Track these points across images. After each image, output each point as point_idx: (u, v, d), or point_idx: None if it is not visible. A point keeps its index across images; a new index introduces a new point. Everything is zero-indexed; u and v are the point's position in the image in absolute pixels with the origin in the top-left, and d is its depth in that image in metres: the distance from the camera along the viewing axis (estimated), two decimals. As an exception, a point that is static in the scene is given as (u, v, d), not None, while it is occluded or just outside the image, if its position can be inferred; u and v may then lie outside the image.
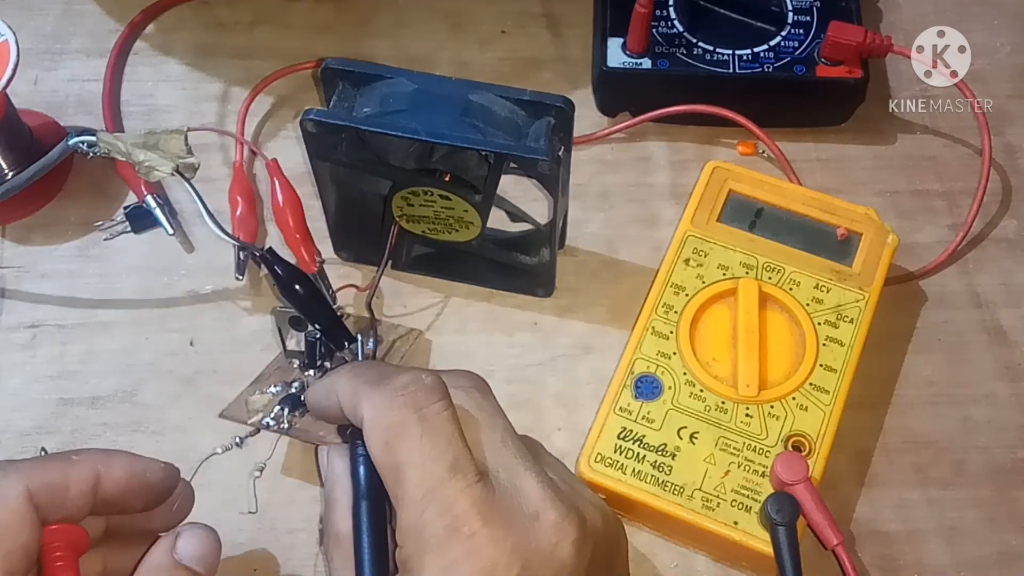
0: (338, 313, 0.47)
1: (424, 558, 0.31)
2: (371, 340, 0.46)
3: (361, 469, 0.35)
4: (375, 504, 0.35)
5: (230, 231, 0.45)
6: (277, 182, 0.50)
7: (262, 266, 0.45)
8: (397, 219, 0.46)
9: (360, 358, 0.44)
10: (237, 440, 0.43)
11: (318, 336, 0.44)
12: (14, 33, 0.48)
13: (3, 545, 0.32)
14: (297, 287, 0.43)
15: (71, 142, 0.44)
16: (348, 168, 0.45)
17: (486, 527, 0.31)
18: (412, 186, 0.43)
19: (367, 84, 0.44)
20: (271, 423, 0.43)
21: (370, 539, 0.34)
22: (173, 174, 0.43)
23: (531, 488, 0.33)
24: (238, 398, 0.44)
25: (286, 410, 0.43)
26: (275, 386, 0.44)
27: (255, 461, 0.45)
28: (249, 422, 0.43)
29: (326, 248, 0.50)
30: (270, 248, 0.44)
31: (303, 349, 0.45)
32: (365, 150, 0.44)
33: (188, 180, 0.44)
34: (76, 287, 0.50)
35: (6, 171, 0.52)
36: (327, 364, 0.45)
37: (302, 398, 0.43)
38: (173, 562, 0.34)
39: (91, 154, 0.44)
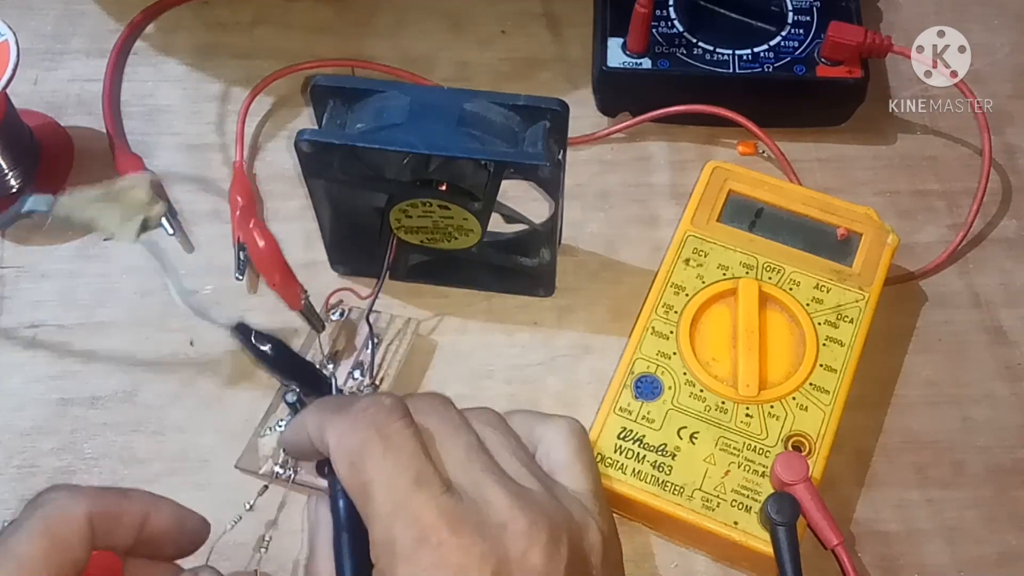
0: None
1: (396, 570, 0.32)
2: (370, 347, 0.46)
3: (340, 502, 0.35)
4: (356, 536, 0.35)
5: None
6: (254, 228, 0.48)
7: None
8: (395, 231, 0.46)
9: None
10: (248, 506, 0.43)
11: (295, 400, 0.43)
12: (14, 33, 0.48)
13: (60, 558, 0.33)
14: (269, 352, 0.43)
15: (27, 207, 0.43)
16: (344, 185, 0.45)
17: (454, 536, 0.32)
18: (410, 198, 0.43)
19: (358, 100, 0.43)
20: (279, 472, 0.43)
21: (352, 571, 0.34)
22: (138, 238, 0.43)
23: (498, 498, 0.33)
24: (249, 443, 0.45)
25: (287, 458, 0.44)
26: (282, 421, 0.45)
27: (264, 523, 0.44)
28: (260, 472, 0.44)
29: (323, 264, 0.50)
30: (240, 322, 0.43)
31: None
32: (360, 166, 0.44)
33: (157, 256, 0.44)
34: (76, 287, 0.50)
35: (6, 171, 0.52)
36: None
37: None
38: None
39: (47, 222, 0.43)
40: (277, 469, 0.44)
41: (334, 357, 0.47)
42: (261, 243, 0.46)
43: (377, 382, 0.46)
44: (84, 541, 0.34)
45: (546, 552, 0.33)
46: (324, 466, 0.37)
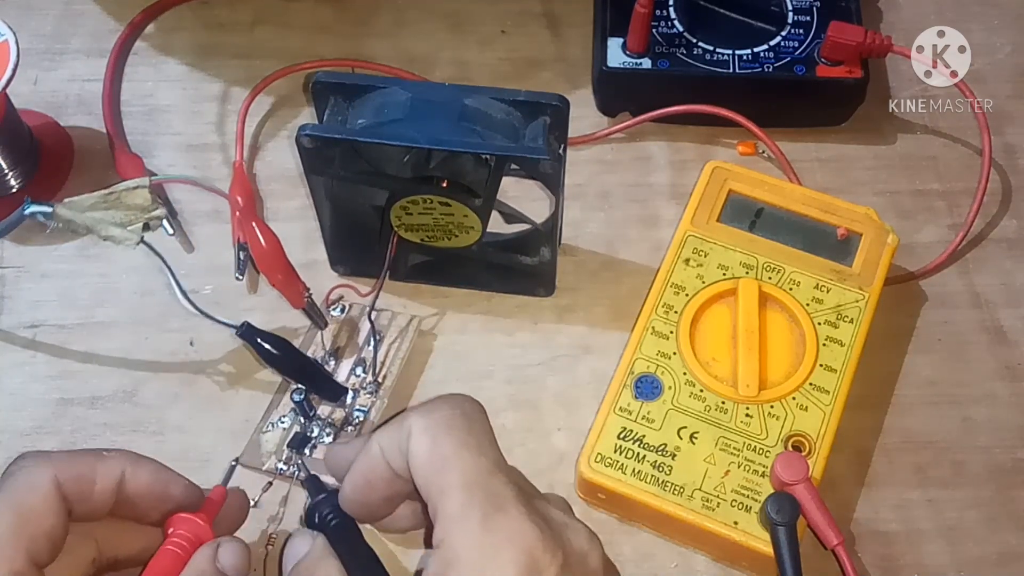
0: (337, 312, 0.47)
1: (466, 538, 0.31)
2: (372, 345, 0.46)
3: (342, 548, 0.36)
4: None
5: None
6: (256, 227, 0.47)
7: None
8: (395, 229, 0.46)
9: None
10: (253, 502, 0.43)
11: (301, 399, 0.44)
12: (14, 33, 0.48)
13: (28, 529, 0.33)
14: (276, 352, 0.43)
15: (27, 211, 0.42)
16: (345, 181, 0.45)
17: (529, 518, 0.32)
18: (411, 195, 0.43)
19: (359, 96, 0.43)
20: (283, 468, 0.44)
21: None
22: (140, 243, 0.43)
23: (555, 513, 0.34)
24: (251, 440, 0.45)
25: (294, 451, 0.44)
26: (284, 417, 0.45)
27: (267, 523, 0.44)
28: (264, 468, 0.44)
29: (323, 264, 0.50)
30: (246, 323, 0.44)
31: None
32: (361, 162, 0.44)
33: (162, 257, 0.44)
34: (76, 287, 0.50)
35: (6, 171, 0.52)
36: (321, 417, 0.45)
37: (308, 434, 0.44)
38: (215, 569, 0.36)
39: (49, 227, 0.43)
40: (280, 465, 0.44)
41: (336, 353, 0.47)
42: (263, 241, 0.46)
43: (380, 379, 0.46)
44: (55, 510, 0.33)
45: (603, 560, 0.33)
46: (313, 515, 0.38)
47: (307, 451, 0.44)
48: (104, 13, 0.59)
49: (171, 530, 0.37)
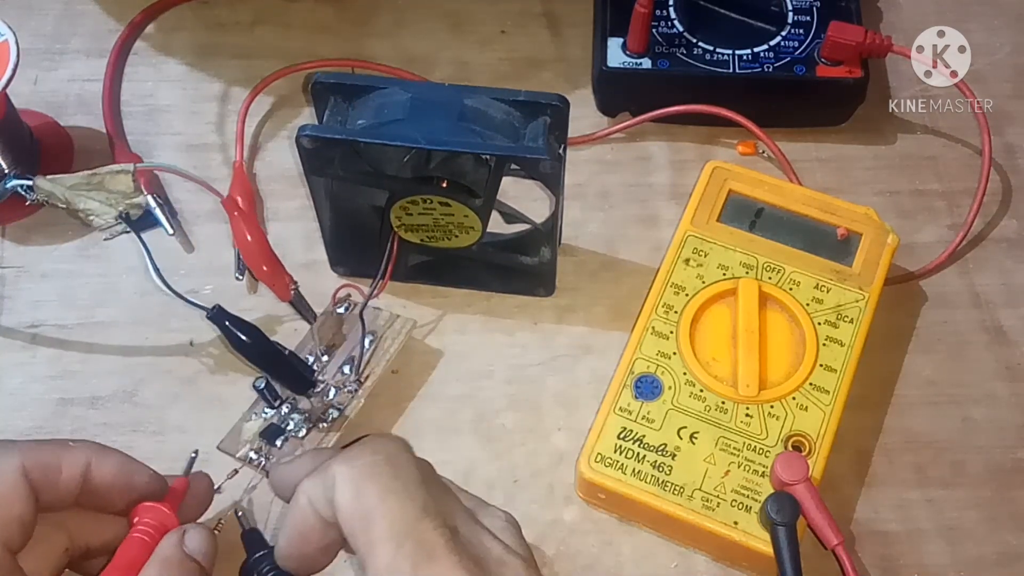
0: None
1: None
2: (366, 342, 0.46)
3: None
4: None
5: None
6: (236, 220, 0.48)
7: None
8: (396, 229, 0.46)
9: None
10: (217, 489, 0.43)
11: (263, 386, 0.44)
12: (14, 33, 0.48)
13: (0, 515, 0.34)
14: (246, 340, 0.43)
15: (9, 184, 0.43)
16: (345, 182, 0.45)
17: (461, 562, 0.32)
18: (411, 195, 0.43)
19: (359, 96, 0.43)
20: (253, 458, 0.44)
21: None
22: (121, 225, 0.43)
23: (493, 545, 0.34)
24: (234, 426, 0.45)
25: (265, 443, 0.44)
26: (269, 408, 0.45)
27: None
28: (237, 455, 0.44)
29: (323, 264, 0.50)
30: (217, 306, 0.43)
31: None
32: (361, 162, 0.44)
33: (138, 233, 0.44)
34: (76, 287, 0.50)
35: (6, 171, 0.52)
36: (287, 407, 0.45)
37: (283, 426, 0.45)
38: (183, 554, 0.36)
39: (29, 200, 0.43)
40: (252, 455, 0.44)
41: (330, 350, 0.47)
42: (247, 234, 0.46)
43: (363, 378, 0.46)
44: (23, 497, 0.34)
45: None
46: (252, 573, 0.39)
47: (278, 443, 0.44)
48: (104, 13, 0.59)
49: (136, 519, 0.37)
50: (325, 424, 0.45)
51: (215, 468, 0.43)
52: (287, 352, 0.45)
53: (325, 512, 0.34)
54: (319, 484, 0.34)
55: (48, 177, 0.43)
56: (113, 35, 0.58)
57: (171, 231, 0.50)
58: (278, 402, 0.45)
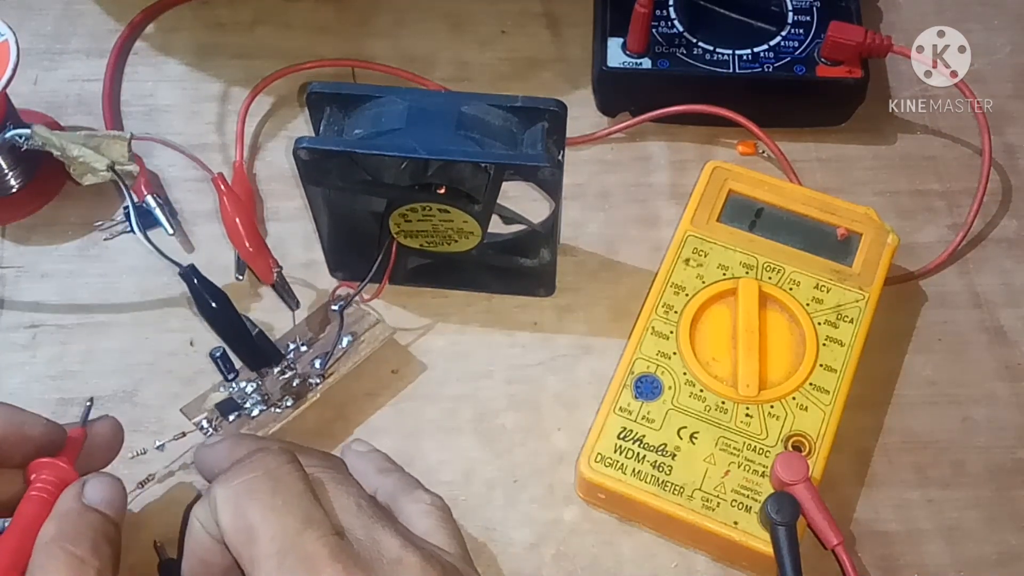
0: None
1: None
2: (344, 341, 0.46)
3: None
4: None
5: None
6: (224, 196, 0.48)
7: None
8: (394, 235, 0.46)
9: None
10: (157, 443, 0.43)
11: (219, 355, 0.44)
12: (14, 33, 0.48)
13: None
14: (214, 305, 0.43)
15: (7, 135, 0.45)
16: (343, 191, 0.45)
17: (346, 569, 0.31)
18: (410, 203, 0.43)
19: (355, 106, 0.43)
20: (204, 426, 0.45)
21: None
22: (108, 173, 0.43)
23: (390, 539, 0.34)
24: (202, 393, 0.45)
25: (219, 415, 0.45)
26: (243, 382, 0.45)
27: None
28: (193, 420, 0.45)
29: (323, 264, 0.50)
30: (191, 265, 0.43)
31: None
32: (359, 172, 0.44)
33: (127, 186, 0.44)
34: (76, 287, 0.50)
35: (6, 171, 0.52)
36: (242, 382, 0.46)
37: (239, 402, 0.45)
38: (83, 506, 0.35)
39: (25, 147, 0.45)
40: (204, 423, 0.45)
41: (309, 343, 0.47)
42: (231, 208, 0.47)
43: (326, 374, 0.46)
44: None
45: None
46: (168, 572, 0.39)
47: (231, 417, 0.44)
48: (104, 13, 0.59)
49: (33, 476, 0.37)
50: (278, 410, 0.45)
51: (176, 431, 0.44)
52: (256, 331, 0.45)
53: (218, 534, 0.34)
54: (206, 507, 0.34)
55: (44, 128, 0.44)
56: (113, 35, 0.58)
57: (171, 231, 0.50)
58: (232, 375, 0.45)
